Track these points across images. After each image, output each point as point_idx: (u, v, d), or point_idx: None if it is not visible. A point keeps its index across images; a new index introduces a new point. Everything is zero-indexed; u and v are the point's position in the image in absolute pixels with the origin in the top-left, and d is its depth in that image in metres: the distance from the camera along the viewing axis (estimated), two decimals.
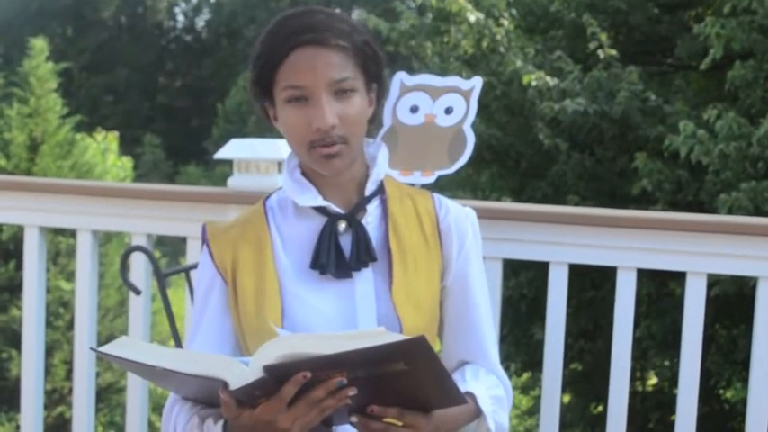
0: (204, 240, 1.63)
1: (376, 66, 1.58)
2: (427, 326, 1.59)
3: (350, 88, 1.51)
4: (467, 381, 1.60)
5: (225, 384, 1.28)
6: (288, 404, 1.29)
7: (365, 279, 1.57)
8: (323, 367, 1.24)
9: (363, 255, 1.56)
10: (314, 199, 1.58)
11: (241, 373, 1.26)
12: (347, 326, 1.54)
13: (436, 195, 1.69)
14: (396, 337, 1.20)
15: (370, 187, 1.61)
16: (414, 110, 2.03)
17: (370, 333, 1.20)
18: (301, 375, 1.25)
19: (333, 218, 1.58)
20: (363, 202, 1.60)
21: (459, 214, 1.66)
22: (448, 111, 2.03)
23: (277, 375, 1.25)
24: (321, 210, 1.59)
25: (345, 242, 1.57)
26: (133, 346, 1.32)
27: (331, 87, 1.50)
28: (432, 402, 1.38)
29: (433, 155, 2.04)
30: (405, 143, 2.04)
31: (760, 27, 5.40)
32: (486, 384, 1.62)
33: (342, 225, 1.58)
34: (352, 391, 1.27)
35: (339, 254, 1.56)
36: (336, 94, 1.50)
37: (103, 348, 1.35)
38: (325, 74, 1.49)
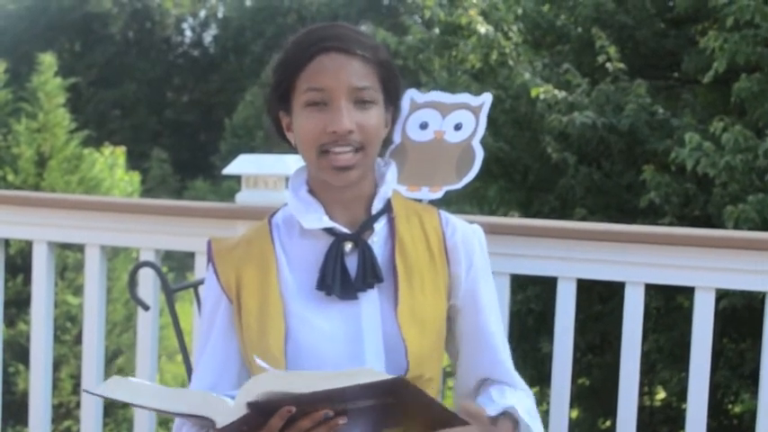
0: (210, 258, 1.63)
1: (395, 87, 1.59)
2: (432, 346, 1.58)
3: (370, 99, 1.52)
4: (495, 401, 1.57)
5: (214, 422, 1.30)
6: None
7: (371, 300, 1.56)
8: (306, 403, 1.26)
9: (370, 276, 1.55)
10: (319, 220, 1.56)
11: (227, 410, 1.28)
12: (353, 347, 1.53)
13: (443, 212, 1.68)
14: (377, 376, 1.21)
15: (376, 205, 1.60)
16: (423, 126, 2.03)
17: (353, 373, 1.22)
18: (286, 410, 1.26)
19: (339, 238, 1.56)
20: (370, 221, 1.59)
21: (467, 232, 1.65)
22: (457, 127, 2.03)
23: (261, 411, 1.27)
24: (328, 229, 1.57)
25: (351, 262, 1.56)
26: (125, 386, 1.34)
27: (352, 94, 1.50)
28: (433, 424, 1.39)
29: (442, 170, 2.04)
30: (413, 159, 2.03)
31: (765, 40, 5.40)
32: (517, 398, 1.60)
33: (348, 246, 1.57)
34: (343, 421, 1.28)
35: (345, 275, 1.55)
36: (356, 103, 1.51)
37: (97, 390, 1.37)
38: (347, 79, 1.49)
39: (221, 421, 1.28)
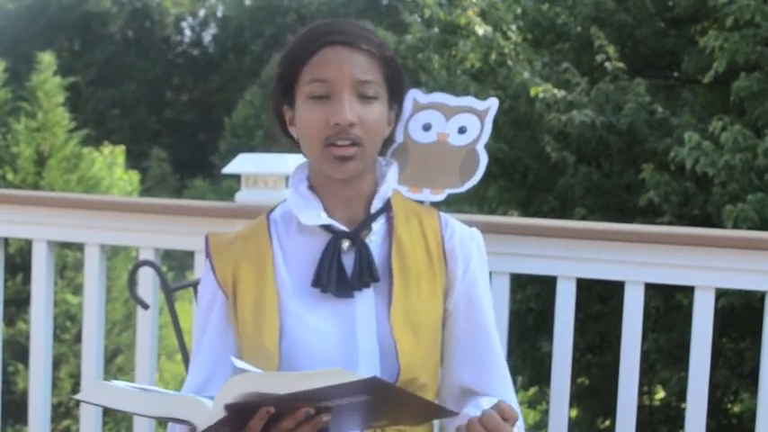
0: (207, 254, 1.63)
1: (399, 85, 1.58)
2: (427, 350, 1.56)
3: (373, 94, 1.51)
4: None
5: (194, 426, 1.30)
6: None
7: (366, 299, 1.55)
8: (284, 403, 1.26)
9: (365, 275, 1.54)
10: (317, 217, 1.55)
11: (206, 413, 1.28)
12: (346, 346, 1.52)
13: (443, 214, 1.66)
14: (351, 376, 1.20)
15: (375, 204, 1.59)
16: (426, 128, 2.02)
17: (325, 373, 1.21)
18: (265, 410, 1.25)
19: (337, 236, 1.56)
20: (369, 220, 1.58)
21: (465, 235, 1.63)
22: (461, 130, 2.02)
23: (240, 413, 1.27)
24: (325, 226, 1.57)
25: (348, 261, 1.55)
26: (107, 391, 1.34)
27: (355, 87, 1.49)
28: (422, 417, 1.39)
29: (445, 173, 2.02)
30: (415, 160, 2.02)
31: (765, 40, 5.40)
32: None
33: (345, 244, 1.56)
34: (326, 417, 1.28)
35: (341, 273, 1.54)
36: (359, 96, 1.50)
37: (80, 396, 1.37)
38: (351, 71, 1.49)
39: (201, 424, 1.28)
